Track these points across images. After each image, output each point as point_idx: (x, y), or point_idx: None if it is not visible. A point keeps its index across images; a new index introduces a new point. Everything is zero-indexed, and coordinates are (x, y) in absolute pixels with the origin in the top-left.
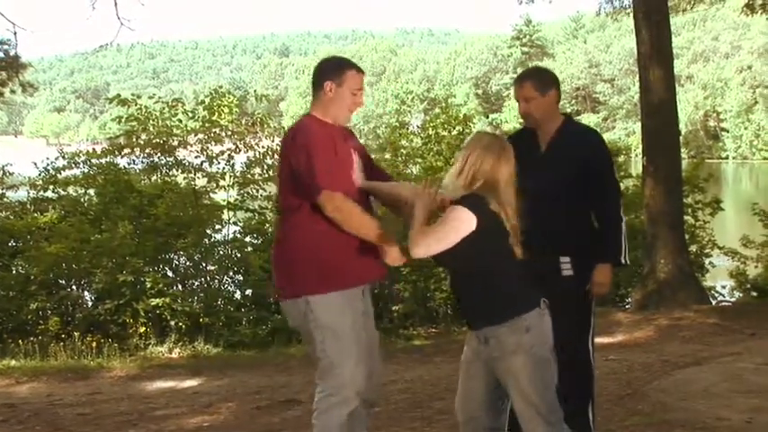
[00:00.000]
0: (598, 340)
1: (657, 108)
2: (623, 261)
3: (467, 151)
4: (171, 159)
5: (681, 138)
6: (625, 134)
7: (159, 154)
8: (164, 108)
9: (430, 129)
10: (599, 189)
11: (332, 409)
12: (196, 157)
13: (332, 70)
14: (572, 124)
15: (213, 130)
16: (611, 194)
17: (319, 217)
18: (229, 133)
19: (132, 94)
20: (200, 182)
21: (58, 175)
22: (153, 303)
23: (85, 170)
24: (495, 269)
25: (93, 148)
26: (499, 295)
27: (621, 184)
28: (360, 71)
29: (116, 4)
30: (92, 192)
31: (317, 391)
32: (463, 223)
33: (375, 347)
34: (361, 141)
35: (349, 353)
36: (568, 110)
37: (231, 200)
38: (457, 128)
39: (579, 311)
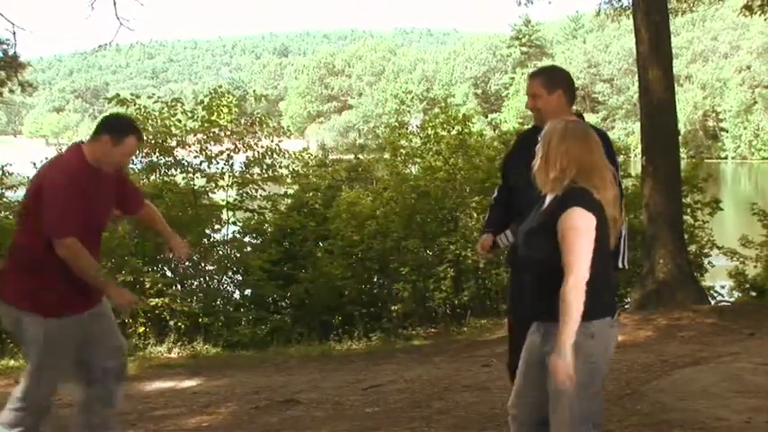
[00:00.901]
0: None
1: (657, 108)
2: (621, 265)
3: (547, 141)
4: (170, 159)
5: (680, 138)
6: (624, 134)
7: (158, 154)
8: (163, 108)
9: (429, 128)
10: None
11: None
12: (195, 157)
13: (117, 129)
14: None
15: (212, 130)
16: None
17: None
18: (228, 133)
19: (131, 94)
20: (200, 182)
21: None
22: (152, 303)
23: None
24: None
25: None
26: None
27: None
28: (140, 138)
29: (115, 3)
30: None
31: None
32: (591, 227)
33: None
34: (360, 141)
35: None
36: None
37: (230, 200)
38: (456, 128)
39: None
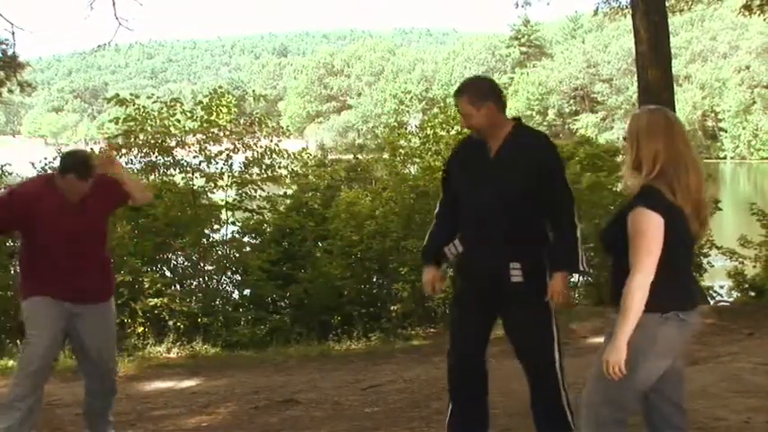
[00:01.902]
0: (596, 340)
1: None
2: (582, 267)
3: (634, 138)
4: (169, 159)
5: None
6: (623, 134)
7: (157, 154)
8: (162, 108)
9: (428, 128)
10: (552, 195)
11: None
12: (194, 157)
13: (60, 165)
14: (521, 130)
15: (211, 130)
16: (565, 200)
17: None
18: (227, 133)
19: (130, 94)
20: (199, 182)
21: None
22: (151, 303)
23: None
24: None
25: (92, 148)
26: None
27: (620, 184)
28: (81, 176)
29: (114, 3)
30: None
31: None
32: (659, 229)
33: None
34: (359, 141)
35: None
36: (567, 110)
37: (229, 200)
38: (455, 128)
39: (535, 320)
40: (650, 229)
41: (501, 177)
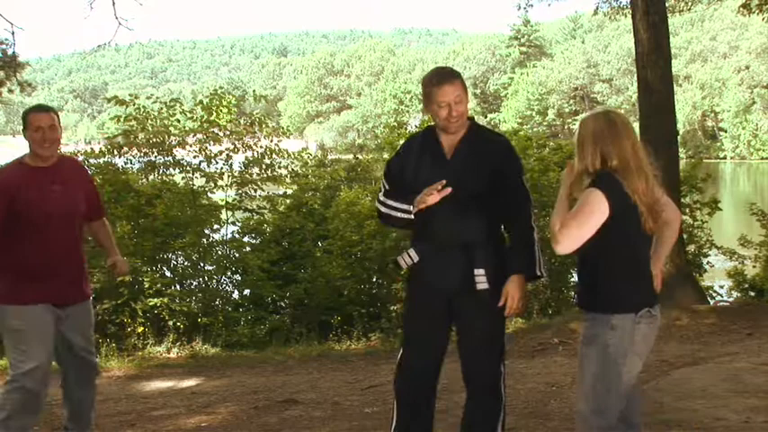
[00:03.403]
0: None
1: (656, 108)
2: (539, 272)
3: (581, 144)
4: (169, 159)
5: (679, 138)
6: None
7: (157, 154)
8: (162, 108)
9: None
10: (511, 198)
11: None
12: (194, 157)
13: (22, 120)
14: (479, 130)
15: (211, 129)
16: (523, 203)
17: None
18: (227, 133)
19: (130, 94)
20: (199, 182)
21: None
22: (151, 303)
23: None
24: (609, 258)
25: (92, 148)
26: (602, 285)
27: None
28: (40, 110)
29: (114, 3)
30: None
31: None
32: (599, 207)
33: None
34: (359, 141)
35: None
36: (567, 110)
37: (229, 200)
38: None
39: (492, 330)
40: (592, 204)
41: (459, 180)
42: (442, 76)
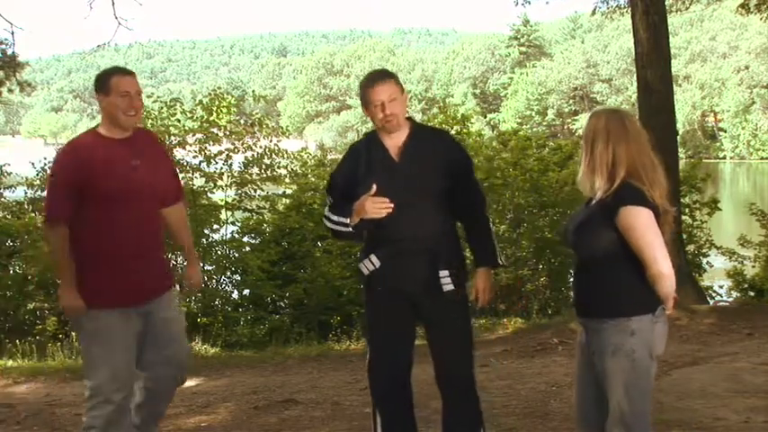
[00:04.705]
0: None
1: (655, 108)
2: (501, 261)
3: (589, 140)
4: None
5: (678, 137)
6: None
7: None
8: (162, 108)
9: None
10: (463, 191)
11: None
12: (194, 157)
13: (99, 83)
14: (420, 129)
15: (211, 130)
16: (476, 195)
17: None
18: (227, 133)
19: None
20: (198, 182)
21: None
22: None
23: None
24: (625, 261)
25: None
26: (617, 289)
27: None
28: (126, 73)
29: (113, 3)
30: None
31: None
32: (653, 221)
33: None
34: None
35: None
36: (566, 110)
37: (229, 200)
38: (455, 127)
39: (462, 331)
40: (649, 220)
41: (412, 182)
42: (374, 77)
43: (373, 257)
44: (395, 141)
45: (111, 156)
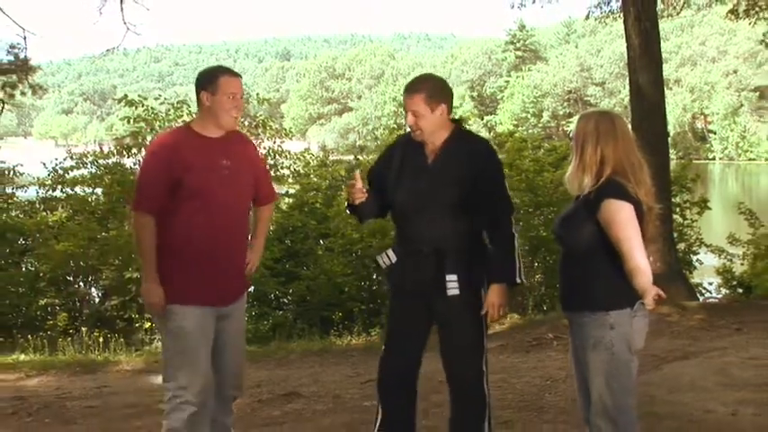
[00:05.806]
0: None
1: (647, 110)
2: (519, 280)
3: (579, 141)
4: None
5: (669, 139)
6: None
7: None
8: (169, 110)
9: None
10: (490, 204)
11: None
12: None
13: (206, 80)
14: (461, 135)
15: None
16: (503, 210)
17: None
18: None
19: (139, 96)
20: None
21: (67, 175)
22: None
23: (93, 170)
24: (604, 255)
25: (101, 149)
26: (597, 284)
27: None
28: (234, 74)
29: (122, 9)
30: (99, 191)
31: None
32: (632, 214)
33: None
34: (360, 143)
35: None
36: (561, 112)
37: None
38: None
39: (469, 333)
40: (629, 217)
41: (438, 185)
42: (408, 86)
43: (390, 252)
44: (434, 142)
45: (204, 154)
